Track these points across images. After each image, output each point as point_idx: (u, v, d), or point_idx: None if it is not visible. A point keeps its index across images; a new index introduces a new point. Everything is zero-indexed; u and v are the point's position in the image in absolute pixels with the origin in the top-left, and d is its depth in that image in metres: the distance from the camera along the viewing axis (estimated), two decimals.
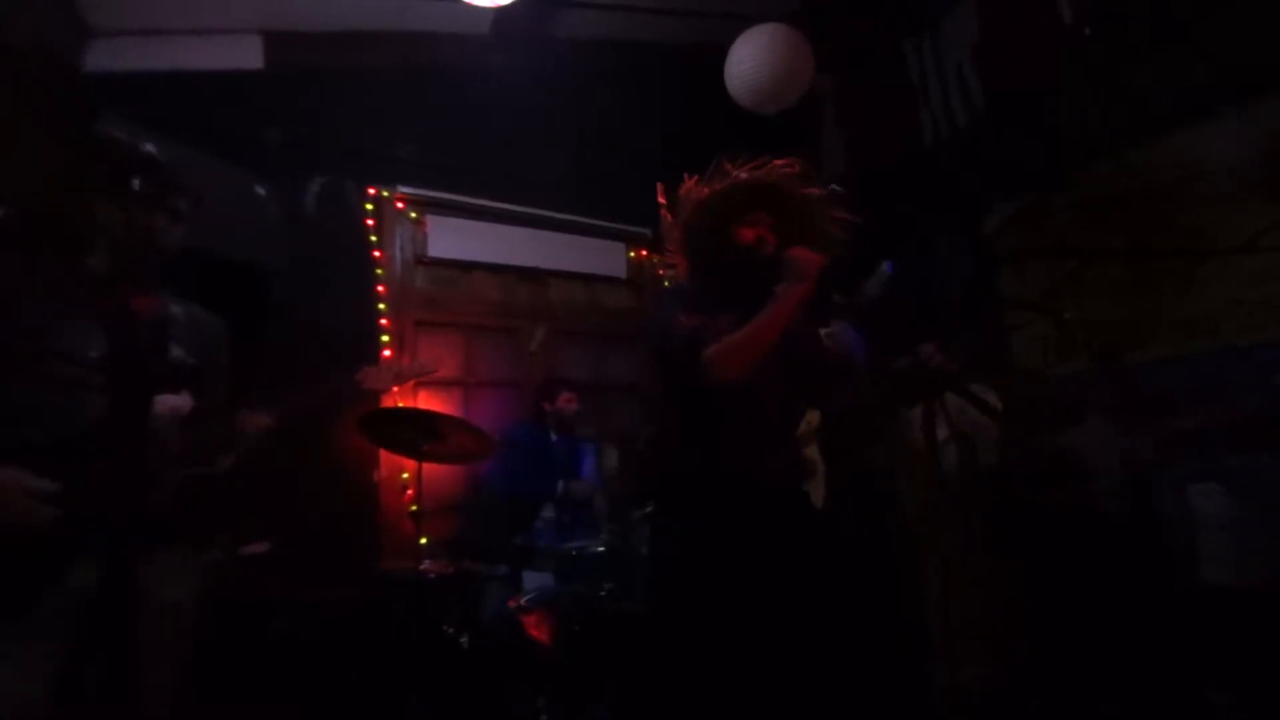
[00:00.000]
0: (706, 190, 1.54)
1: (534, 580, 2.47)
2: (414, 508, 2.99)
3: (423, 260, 3.48)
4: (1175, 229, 2.83)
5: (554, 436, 3.11)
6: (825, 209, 1.59)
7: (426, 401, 3.28)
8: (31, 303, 1.19)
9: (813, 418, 2.39)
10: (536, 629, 2.20)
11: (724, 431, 1.52)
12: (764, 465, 1.54)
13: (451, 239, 3.54)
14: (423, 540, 2.82)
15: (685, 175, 1.59)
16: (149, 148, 1.28)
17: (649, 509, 2.33)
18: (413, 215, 3.49)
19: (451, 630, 2.13)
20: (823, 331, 1.67)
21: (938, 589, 2.14)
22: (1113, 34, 2.65)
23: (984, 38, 3.07)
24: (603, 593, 2.25)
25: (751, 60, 2.77)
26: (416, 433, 2.20)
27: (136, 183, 1.21)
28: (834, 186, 1.59)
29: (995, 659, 2.20)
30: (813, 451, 2.42)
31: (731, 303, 1.50)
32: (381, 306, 3.30)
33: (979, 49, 3.08)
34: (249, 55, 2.85)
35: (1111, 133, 2.93)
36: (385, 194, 3.41)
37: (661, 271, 3.84)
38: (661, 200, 1.62)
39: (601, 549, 2.38)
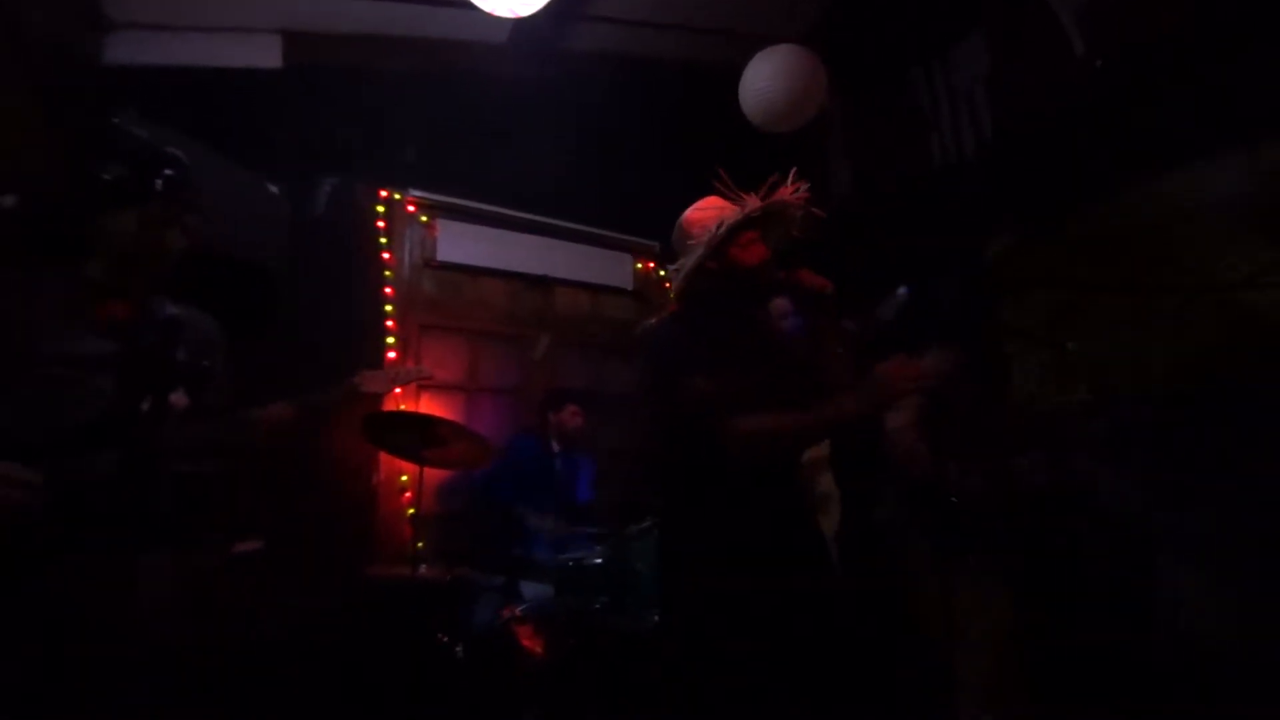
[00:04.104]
0: (743, 208, 1.45)
1: (531, 591, 2.46)
2: (412, 511, 2.98)
3: (431, 264, 3.49)
4: (1176, 264, 2.84)
5: (555, 447, 3.10)
6: (804, 218, 1.54)
7: (428, 406, 3.28)
8: (26, 305, 1.18)
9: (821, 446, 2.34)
10: (530, 640, 2.19)
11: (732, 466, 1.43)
12: (776, 496, 1.46)
13: (460, 244, 3.55)
14: (419, 545, 2.81)
15: (696, 189, 1.56)
16: (174, 150, 1.27)
17: (645, 524, 2.32)
18: (423, 219, 3.50)
19: (446, 639, 2.11)
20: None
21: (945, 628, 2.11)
22: (1123, 68, 2.67)
23: (995, 67, 3.10)
24: (597, 605, 2.24)
25: (768, 80, 2.78)
26: (418, 438, 2.20)
27: (159, 183, 1.20)
28: (814, 209, 1.52)
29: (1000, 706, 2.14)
30: (826, 480, 2.39)
31: (737, 347, 1.44)
32: (388, 309, 3.31)
33: (990, 78, 3.11)
34: (268, 54, 2.86)
35: (1117, 167, 2.95)
36: (397, 196, 3.43)
37: (668, 285, 3.86)
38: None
39: (599, 561, 2.37)
